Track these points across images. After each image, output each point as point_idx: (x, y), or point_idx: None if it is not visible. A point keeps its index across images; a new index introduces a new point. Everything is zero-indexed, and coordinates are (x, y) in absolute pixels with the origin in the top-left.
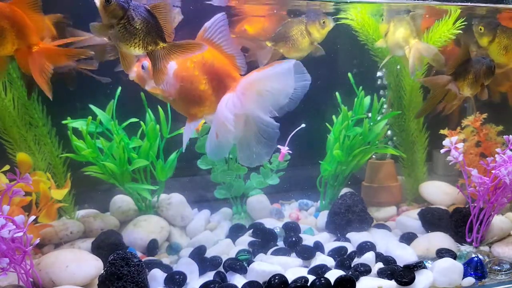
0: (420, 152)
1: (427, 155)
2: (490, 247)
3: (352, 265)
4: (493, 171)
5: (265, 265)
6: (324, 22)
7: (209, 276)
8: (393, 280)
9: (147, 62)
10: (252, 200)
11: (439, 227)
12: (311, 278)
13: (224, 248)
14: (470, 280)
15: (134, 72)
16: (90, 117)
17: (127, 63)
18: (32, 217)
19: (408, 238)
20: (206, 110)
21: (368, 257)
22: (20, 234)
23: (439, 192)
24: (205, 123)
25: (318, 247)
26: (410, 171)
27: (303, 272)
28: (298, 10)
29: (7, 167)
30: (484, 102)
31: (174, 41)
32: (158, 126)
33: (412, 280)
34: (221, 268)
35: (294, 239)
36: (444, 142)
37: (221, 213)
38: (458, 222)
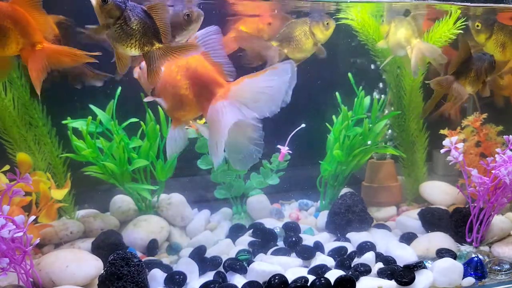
0: (420, 152)
1: (427, 155)
2: (490, 247)
3: (352, 265)
4: (493, 171)
5: (265, 265)
6: (328, 23)
7: (209, 276)
8: (393, 280)
9: None
10: (252, 200)
11: (439, 227)
12: (311, 278)
13: (224, 248)
14: (470, 280)
15: (137, 72)
16: (90, 117)
17: (123, 63)
18: (32, 217)
19: (408, 238)
20: (187, 114)
21: (368, 257)
22: (20, 234)
23: (439, 192)
24: (187, 128)
25: (318, 247)
26: (410, 171)
27: (303, 272)
28: (298, 11)
29: (7, 167)
30: (485, 102)
31: (170, 42)
32: (158, 126)
33: (412, 280)
34: (221, 268)
35: (294, 239)
36: (444, 142)
37: (221, 213)
38: (458, 222)
